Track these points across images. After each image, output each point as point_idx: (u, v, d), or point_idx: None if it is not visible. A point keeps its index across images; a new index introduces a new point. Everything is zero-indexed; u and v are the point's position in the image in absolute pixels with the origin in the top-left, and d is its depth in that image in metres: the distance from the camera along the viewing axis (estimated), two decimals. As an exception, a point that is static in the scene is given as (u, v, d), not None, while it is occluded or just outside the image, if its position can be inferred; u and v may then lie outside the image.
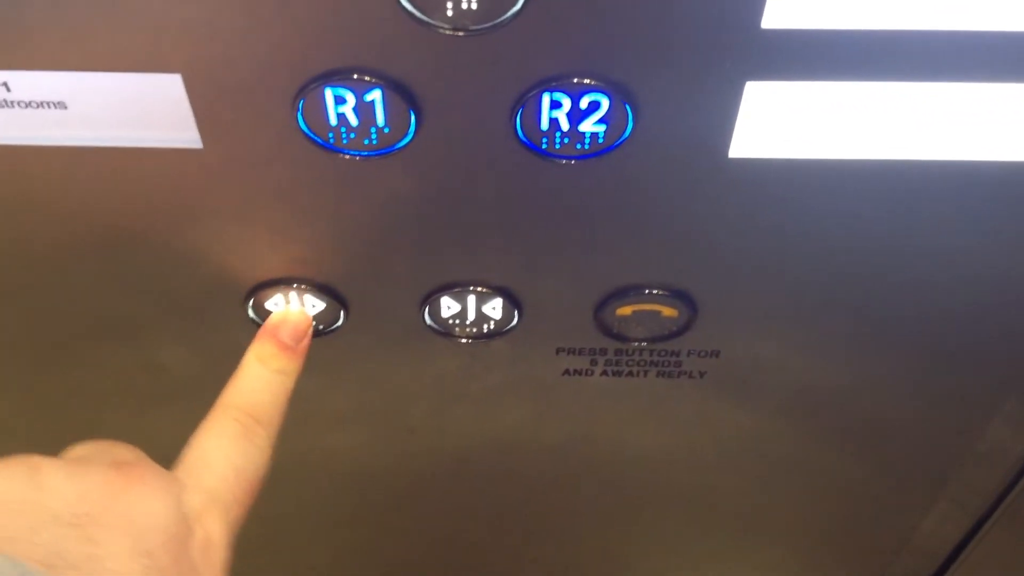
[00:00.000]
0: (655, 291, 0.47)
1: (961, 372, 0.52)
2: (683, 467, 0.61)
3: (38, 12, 0.35)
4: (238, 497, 0.38)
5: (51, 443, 0.60)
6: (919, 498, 0.64)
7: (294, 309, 0.47)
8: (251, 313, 0.48)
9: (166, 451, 0.60)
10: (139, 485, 0.34)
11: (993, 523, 0.64)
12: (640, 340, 0.50)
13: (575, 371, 0.53)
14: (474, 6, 0.34)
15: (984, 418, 0.55)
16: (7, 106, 0.38)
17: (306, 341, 0.45)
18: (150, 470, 0.36)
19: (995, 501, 0.62)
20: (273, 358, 0.43)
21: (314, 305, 0.48)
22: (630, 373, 0.53)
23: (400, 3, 0.34)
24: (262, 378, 0.42)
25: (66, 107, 0.38)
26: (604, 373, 0.53)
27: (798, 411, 0.56)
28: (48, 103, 0.38)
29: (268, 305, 0.48)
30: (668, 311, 0.48)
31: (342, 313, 0.49)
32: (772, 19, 0.34)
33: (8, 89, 0.38)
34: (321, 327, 0.49)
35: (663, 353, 0.51)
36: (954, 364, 0.52)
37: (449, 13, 0.34)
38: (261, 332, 0.44)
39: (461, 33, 0.35)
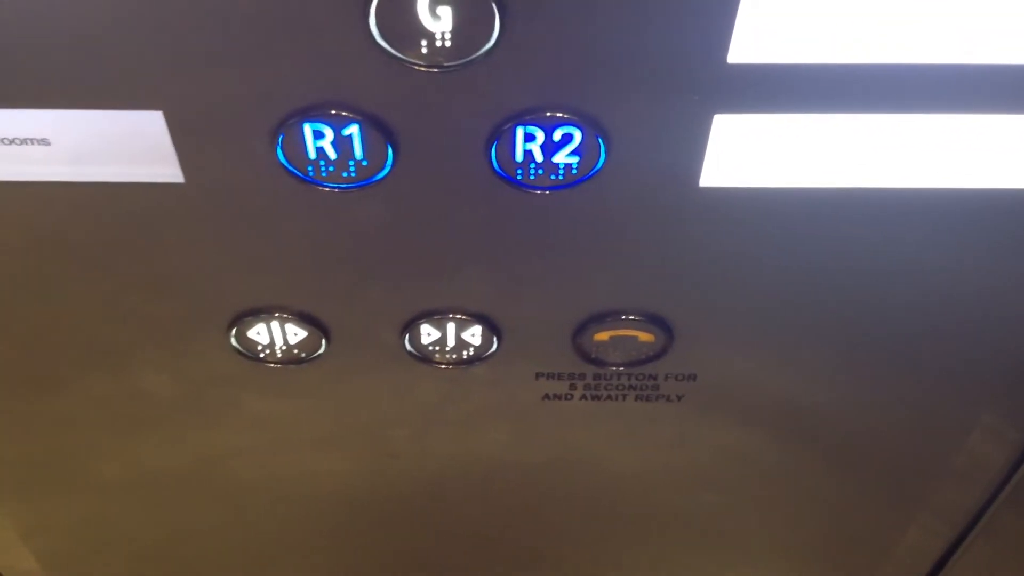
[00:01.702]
0: (631, 316, 0.48)
1: (938, 388, 0.53)
2: (664, 488, 0.62)
3: (21, 50, 0.36)
4: None
5: (36, 469, 0.60)
6: (900, 512, 0.64)
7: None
8: (234, 342, 0.49)
9: (151, 474, 0.61)
10: None
11: (975, 536, 0.65)
12: (618, 365, 0.51)
13: (555, 395, 0.54)
14: (448, 43, 0.35)
15: (963, 432, 0.56)
16: (-9, 143, 0.39)
17: None
18: None
19: (976, 514, 0.63)
20: None
21: (296, 333, 0.49)
22: (609, 397, 0.53)
23: (376, 41, 0.35)
24: None
25: (49, 143, 0.39)
26: (583, 397, 0.53)
27: (776, 431, 0.57)
28: (31, 139, 0.39)
29: (250, 334, 0.49)
30: (645, 336, 0.49)
31: (323, 341, 0.49)
32: (737, 54, 0.35)
33: (-8, 126, 0.38)
34: (303, 355, 0.50)
35: (641, 377, 0.52)
36: (930, 380, 0.53)
37: (424, 50, 0.35)
38: None
39: (435, 69, 0.36)
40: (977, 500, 0.62)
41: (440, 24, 0.34)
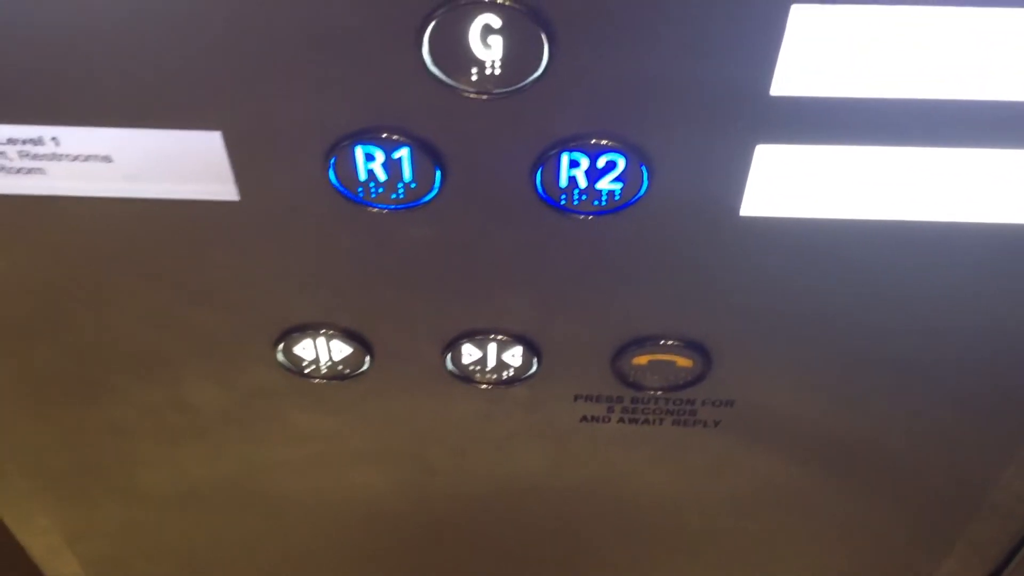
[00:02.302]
0: (670, 342, 0.48)
1: (977, 421, 0.53)
2: (698, 512, 0.62)
3: (87, 71, 0.37)
4: None
5: (84, 476, 0.62)
6: (936, 545, 0.64)
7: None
8: (281, 357, 0.50)
9: (195, 484, 0.62)
10: None
11: (1010, 571, 0.64)
12: (656, 389, 0.51)
13: (592, 418, 0.54)
14: (498, 71, 0.36)
15: (999, 467, 0.56)
16: (56, 159, 0.41)
17: None
18: None
19: (1012, 550, 0.63)
20: None
21: (341, 350, 0.50)
22: (646, 421, 0.54)
23: (428, 68, 0.36)
24: None
25: (111, 160, 0.41)
26: (621, 420, 0.54)
27: (812, 458, 0.57)
28: (94, 156, 0.41)
29: (297, 349, 0.50)
30: (683, 361, 0.49)
31: (367, 358, 0.50)
32: (780, 87, 0.36)
33: (58, 143, 0.40)
34: (347, 371, 0.51)
35: (678, 402, 0.52)
36: (970, 413, 0.53)
37: (474, 77, 0.36)
38: None
39: (485, 96, 0.37)
40: (1013, 536, 0.61)
41: (491, 52, 0.35)
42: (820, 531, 0.64)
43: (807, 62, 0.35)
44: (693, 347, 0.49)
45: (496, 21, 0.35)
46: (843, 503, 0.61)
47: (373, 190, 0.41)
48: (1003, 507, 0.59)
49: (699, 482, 0.59)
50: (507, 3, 0.34)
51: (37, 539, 0.68)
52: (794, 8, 0.34)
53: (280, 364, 0.51)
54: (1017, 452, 0.55)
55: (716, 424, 0.54)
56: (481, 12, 0.34)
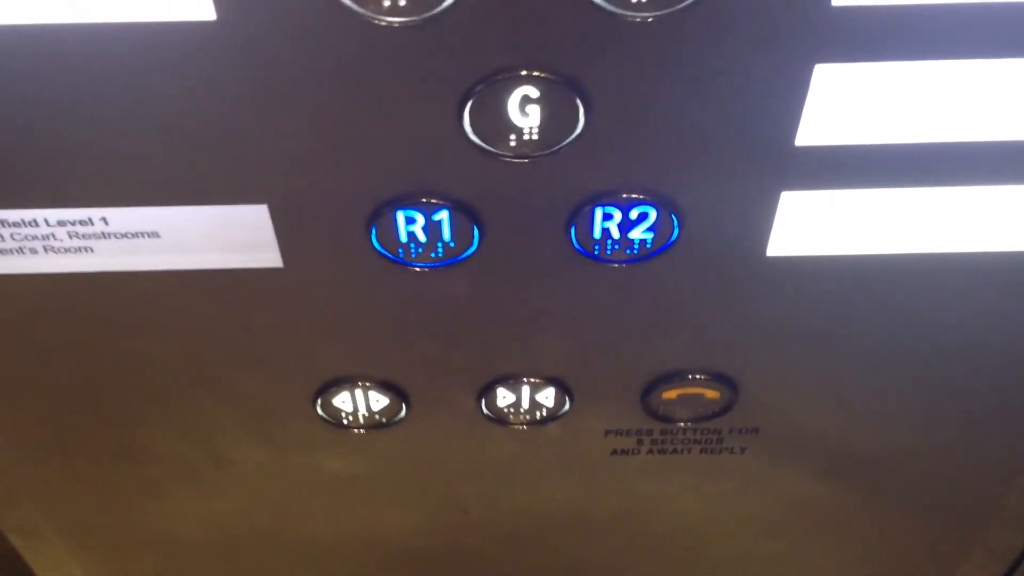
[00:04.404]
0: (699, 376, 0.50)
1: (994, 438, 0.55)
2: (727, 535, 0.64)
3: (134, 154, 0.39)
4: None
5: (121, 531, 0.63)
6: (952, 552, 0.66)
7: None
8: (319, 410, 0.52)
9: (230, 534, 0.63)
10: None
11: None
12: (684, 421, 0.53)
13: (622, 451, 0.56)
14: (535, 136, 0.38)
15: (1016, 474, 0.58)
16: (105, 237, 0.42)
17: None
18: None
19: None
20: None
21: (378, 400, 0.51)
22: (675, 451, 0.56)
23: (468, 137, 0.38)
24: None
25: (159, 236, 0.42)
26: (650, 452, 0.56)
27: (834, 477, 0.59)
28: (143, 233, 0.42)
29: (335, 402, 0.51)
30: (711, 394, 0.51)
31: (404, 406, 0.52)
32: (805, 138, 0.38)
33: (107, 223, 0.41)
34: (384, 420, 0.53)
35: (705, 432, 0.54)
36: (988, 429, 0.55)
37: (512, 143, 0.38)
38: None
39: (523, 160, 0.39)
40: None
41: (529, 120, 0.37)
42: (841, 543, 0.66)
43: (829, 115, 0.37)
44: (721, 380, 0.50)
45: (534, 92, 0.36)
46: (864, 516, 0.63)
47: (413, 250, 0.43)
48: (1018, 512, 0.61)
49: (727, 506, 0.61)
50: (544, 75, 0.36)
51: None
52: (817, 67, 0.36)
53: (320, 417, 0.52)
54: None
55: (743, 451, 0.56)
56: (520, 84, 0.36)
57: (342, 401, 0.51)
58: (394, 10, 0.34)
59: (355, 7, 0.33)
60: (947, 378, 0.51)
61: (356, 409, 0.52)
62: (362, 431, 0.54)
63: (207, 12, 0.34)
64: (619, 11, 0.34)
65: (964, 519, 0.62)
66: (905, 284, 0.45)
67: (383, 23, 0.34)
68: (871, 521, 0.63)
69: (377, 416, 0.52)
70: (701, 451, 0.56)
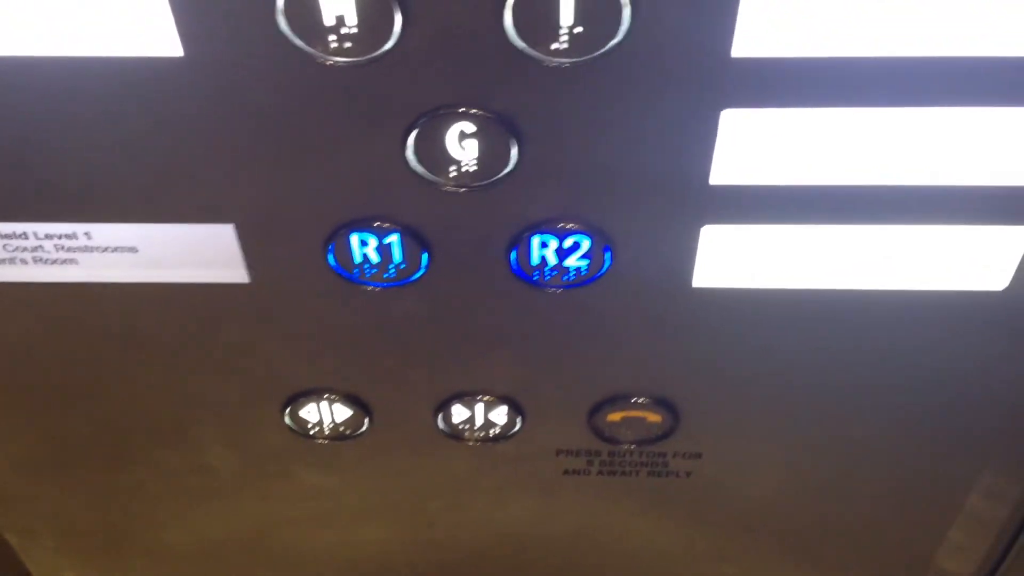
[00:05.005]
0: (641, 399, 0.53)
1: (933, 462, 0.58)
2: (681, 559, 0.67)
3: (114, 176, 0.43)
4: None
5: (106, 535, 0.67)
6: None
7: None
8: (287, 420, 0.55)
9: (210, 541, 0.67)
10: None
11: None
12: (630, 443, 0.56)
13: (574, 471, 0.59)
14: (473, 168, 0.42)
15: (963, 493, 0.60)
16: (88, 251, 0.46)
17: None
18: None
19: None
20: None
21: (342, 412, 0.55)
22: (624, 472, 0.59)
23: (412, 168, 0.41)
24: None
25: (137, 251, 0.46)
26: (600, 472, 0.59)
27: (781, 503, 0.62)
28: (122, 247, 0.46)
29: (302, 413, 0.55)
30: (653, 417, 0.54)
31: (366, 419, 0.55)
32: (718, 176, 0.41)
33: (90, 237, 0.46)
34: (348, 432, 0.56)
35: (651, 455, 0.57)
36: (928, 445, 0.57)
37: (452, 174, 0.42)
38: None
39: (463, 189, 0.42)
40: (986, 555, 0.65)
41: (466, 153, 0.41)
42: (794, 566, 0.68)
43: (739, 155, 0.41)
44: (661, 404, 0.54)
45: (470, 127, 0.40)
46: (812, 540, 0.65)
47: (367, 271, 0.46)
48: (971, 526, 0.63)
49: (678, 529, 0.64)
50: (478, 112, 0.40)
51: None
52: (724, 112, 0.39)
53: (288, 427, 0.56)
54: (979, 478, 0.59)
55: (688, 475, 0.58)
56: (457, 120, 0.40)
57: (308, 412, 0.55)
58: (340, 51, 0.38)
59: (307, 48, 0.37)
60: (882, 402, 0.54)
61: (322, 420, 0.56)
62: (328, 442, 0.57)
63: (175, 49, 0.38)
64: (541, 56, 0.37)
65: (909, 546, 0.64)
66: (827, 318, 0.48)
67: (331, 63, 0.38)
68: (822, 543, 0.65)
69: (342, 428, 0.56)
70: (648, 474, 0.59)
